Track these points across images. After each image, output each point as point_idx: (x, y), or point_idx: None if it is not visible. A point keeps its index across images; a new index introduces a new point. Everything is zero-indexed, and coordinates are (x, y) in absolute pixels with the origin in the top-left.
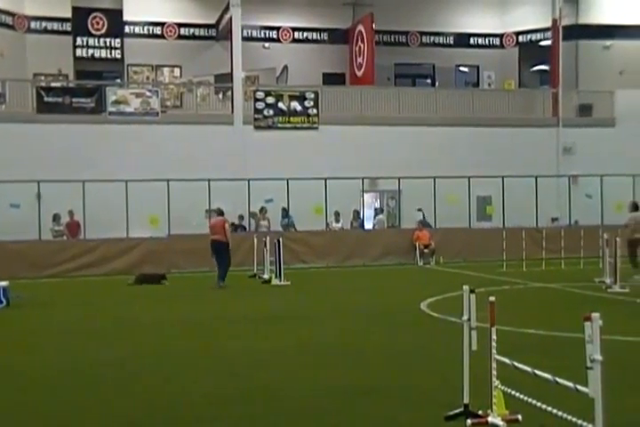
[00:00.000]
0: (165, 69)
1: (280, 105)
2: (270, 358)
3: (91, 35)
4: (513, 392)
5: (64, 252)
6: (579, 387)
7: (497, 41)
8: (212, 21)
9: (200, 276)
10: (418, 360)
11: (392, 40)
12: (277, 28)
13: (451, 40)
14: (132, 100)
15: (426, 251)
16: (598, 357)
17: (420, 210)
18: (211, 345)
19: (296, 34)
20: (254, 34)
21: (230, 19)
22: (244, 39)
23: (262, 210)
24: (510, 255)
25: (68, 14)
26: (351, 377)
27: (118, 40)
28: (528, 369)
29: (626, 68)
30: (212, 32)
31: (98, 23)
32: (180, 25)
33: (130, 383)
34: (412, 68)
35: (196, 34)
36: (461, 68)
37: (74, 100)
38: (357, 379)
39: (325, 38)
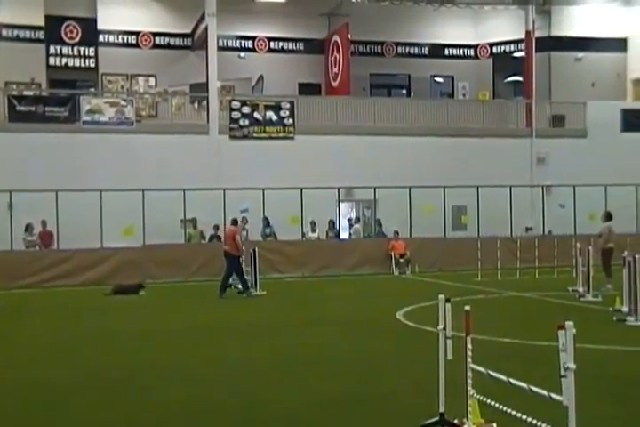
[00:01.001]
0: (140, 79)
1: (256, 115)
2: (245, 368)
3: (64, 43)
4: (488, 401)
5: (36, 262)
6: (553, 395)
7: (471, 52)
8: (188, 31)
9: (175, 286)
10: (394, 369)
11: (367, 50)
12: (253, 38)
13: (426, 51)
14: (106, 109)
15: (401, 260)
16: (572, 365)
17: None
18: (186, 355)
19: (272, 44)
20: (230, 43)
21: (206, 28)
22: (220, 49)
23: (243, 220)
24: (485, 265)
25: (41, 22)
26: (327, 387)
27: (92, 49)
28: (503, 378)
29: (597, 79)
30: (188, 41)
31: (71, 32)
32: (155, 34)
33: (104, 394)
34: (388, 78)
35: (172, 43)
36: (436, 79)
37: (47, 108)
38: (333, 388)
39: (301, 48)
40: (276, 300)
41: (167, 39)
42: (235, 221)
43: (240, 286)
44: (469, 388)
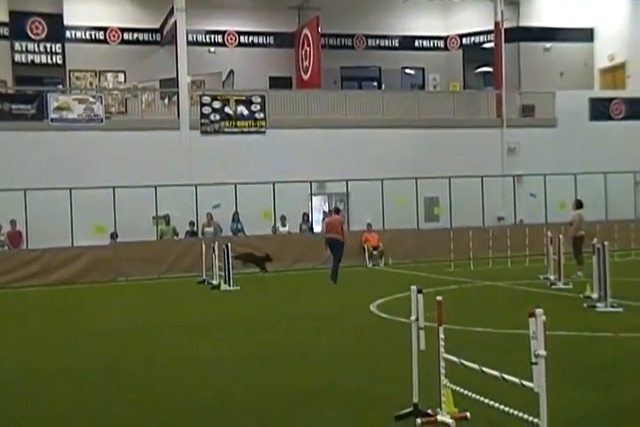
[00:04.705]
0: (109, 75)
1: (227, 109)
2: (219, 363)
3: (30, 39)
4: (461, 390)
5: (5, 262)
6: (524, 382)
7: (441, 43)
8: (156, 26)
9: (148, 283)
10: (368, 361)
11: (338, 43)
12: (223, 33)
13: (396, 43)
14: (74, 106)
15: (375, 253)
16: (542, 352)
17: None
18: (159, 352)
19: (242, 38)
20: (199, 38)
21: (175, 23)
22: (189, 44)
23: (207, 216)
24: (458, 255)
25: (6, 18)
26: (302, 379)
27: (59, 45)
28: (475, 367)
29: (565, 69)
30: (157, 37)
31: (37, 28)
32: (124, 30)
33: (71, 394)
34: (359, 70)
35: (140, 39)
36: (407, 71)
37: (13, 106)
38: (309, 381)
39: (271, 42)
40: (250, 295)
41: (136, 35)
42: (337, 210)
43: (214, 282)
44: (442, 378)
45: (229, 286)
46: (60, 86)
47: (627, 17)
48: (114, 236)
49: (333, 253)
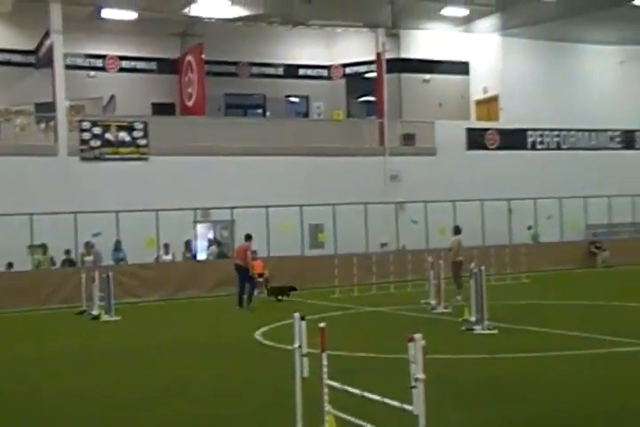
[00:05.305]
0: None
1: (107, 135)
2: (96, 397)
3: None
4: (345, 416)
5: None
6: (405, 406)
7: (325, 72)
8: (31, 48)
9: (23, 315)
10: (252, 389)
11: (222, 70)
12: (103, 57)
13: (280, 71)
14: None
15: (260, 280)
16: (421, 376)
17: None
18: (29, 387)
19: (123, 63)
20: (78, 62)
21: (51, 46)
22: (68, 67)
23: (87, 245)
24: (342, 281)
25: None
26: (185, 410)
27: None
28: (357, 392)
29: (443, 100)
30: (32, 59)
31: None
32: None
33: None
34: (243, 98)
35: (13, 60)
36: (291, 99)
37: None
38: (191, 411)
39: (154, 68)
40: (131, 325)
41: (8, 56)
42: (248, 238)
43: (94, 312)
44: (325, 404)
45: (110, 316)
46: None
47: (498, 53)
48: (10, 265)
49: (239, 278)
